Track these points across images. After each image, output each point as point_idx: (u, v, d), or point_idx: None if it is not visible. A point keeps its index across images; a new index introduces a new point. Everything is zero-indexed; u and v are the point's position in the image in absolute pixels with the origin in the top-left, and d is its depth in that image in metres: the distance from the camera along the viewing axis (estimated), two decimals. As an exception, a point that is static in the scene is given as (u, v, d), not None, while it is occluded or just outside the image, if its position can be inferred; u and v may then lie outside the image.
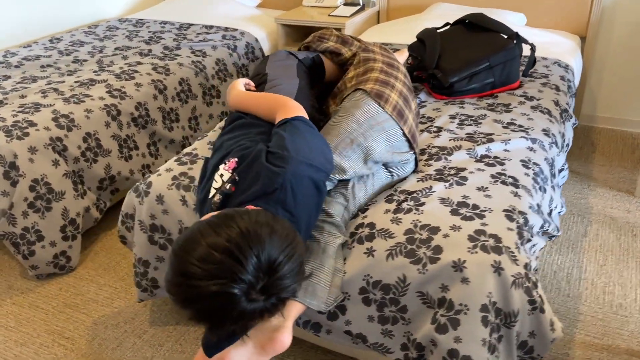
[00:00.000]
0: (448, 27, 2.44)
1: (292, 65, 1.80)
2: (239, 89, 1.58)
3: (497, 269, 1.21)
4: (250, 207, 1.14)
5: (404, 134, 1.50)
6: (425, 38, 2.25)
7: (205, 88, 2.67)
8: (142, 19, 3.39)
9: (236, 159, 1.29)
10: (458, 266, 1.23)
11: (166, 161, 2.45)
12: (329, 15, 3.02)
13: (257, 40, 3.08)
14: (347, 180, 1.42)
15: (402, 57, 2.24)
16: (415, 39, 2.38)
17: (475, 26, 2.27)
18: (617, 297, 1.82)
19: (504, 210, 1.36)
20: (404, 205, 1.41)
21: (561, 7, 2.81)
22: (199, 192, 1.45)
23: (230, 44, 2.90)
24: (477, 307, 1.20)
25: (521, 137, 1.70)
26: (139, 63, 2.59)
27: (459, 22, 2.37)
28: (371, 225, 1.37)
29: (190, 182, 1.59)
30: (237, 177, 1.25)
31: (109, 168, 2.17)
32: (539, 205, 1.48)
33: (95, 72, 2.50)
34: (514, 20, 2.80)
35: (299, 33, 3.31)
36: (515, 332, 1.24)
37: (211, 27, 3.16)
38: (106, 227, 2.31)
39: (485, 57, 2.08)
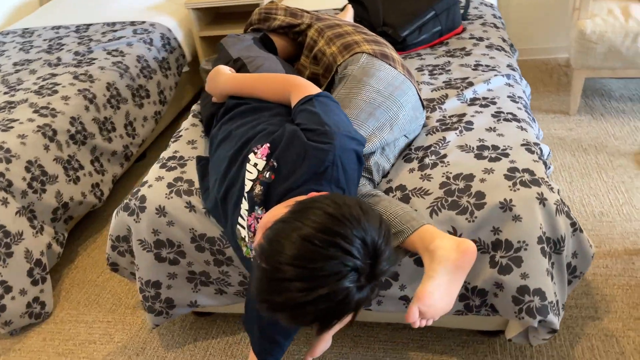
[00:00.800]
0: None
1: (252, 45, 1.70)
2: (229, 74, 1.46)
3: (542, 200, 1.25)
4: (314, 193, 1.05)
5: (417, 92, 1.48)
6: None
7: (133, 89, 2.45)
8: (27, 28, 3.01)
9: (267, 145, 1.18)
10: (506, 206, 1.24)
11: (113, 176, 2.23)
12: (242, -9, 2.88)
13: (169, 30, 2.87)
14: (370, 153, 1.37)
15: (349, 15, 2.19)
16: (347, 1, 2.35)
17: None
18: (595, 206, 1.97)
19: (522, 145, 1.40)
20: (427, 160, 1.39)
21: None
22: (212, 191, 1.33)
23: (145, 37, 2.67)
24: (534, 241, 1.23)
25: (495, 75, 1.75)
26: (54, 75, 2.30)
27: (387, -23, 2.36)
28: (402, 188, 1.35)
29: (190, 186, 1.45)
30: (275, 163, 1.15)
31: (60, 195, 1.93)
32: (537, 136, 1.54)
33: (6, 93, 2.18)
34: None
35: (210, 15, 3.14)
36: (564, 256, 1.29)
37: (113, 24, 2.88)
38: (67, 260, 2.07)
39: (430, 6, 2.11)
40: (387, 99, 1.40)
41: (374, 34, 1.65)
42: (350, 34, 1.61)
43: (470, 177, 1.31)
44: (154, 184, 1.47)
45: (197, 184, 1.46)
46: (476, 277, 1.29)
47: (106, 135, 2.22)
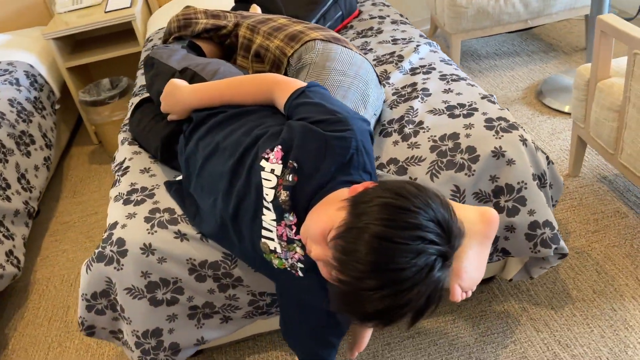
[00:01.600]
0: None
1: (187, 54, 1.57)
2: (189, 86, 1.33)
3: (523, 141, 1.34)
4: (359, 186, 0.98)
5: (374, 69, 1.49)
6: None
7: (16, 137, 2.12)
8: None
9: (279, 146, 1.09)
10: (498, 153, 1.32)
11: (23, 238, 1.92)
12: (105, 12, 2.64)
13: (31, 66, 2.53)
14: None
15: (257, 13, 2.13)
16: (235, 2, 2.29)
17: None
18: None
19: (482, 98, 1.49)
20: (406, 130, 1.42)
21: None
22: (210, 212, 1.21)
23: (9, 78, 2.33)
24: (530, 179, 1.32)
25: (417, 45, 1.83)
26: None
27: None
28: (394, 161, 1.36)
29: (172, 214, 1.30)
30: (295, 164, 1.06)
31: (-23, 273, 1.61)
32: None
33: None
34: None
35: (71, 44, 2.84)
36: (548, 188, 1.40)
37: (-42, 71, 2.47)
38: (-3, 348, 1.74)
39: (326, -7, 2.13)
40: (355, 78, 1.39)
41: (308, 22, 1.63)
42: (288, 25, 1.57)
43: (455, 136, 1.36)
44: (128, 222, 1.30)
45: (179, 211, 1.31)
46: (485, 227, 1.35)
47: (3, 194, 1.90)
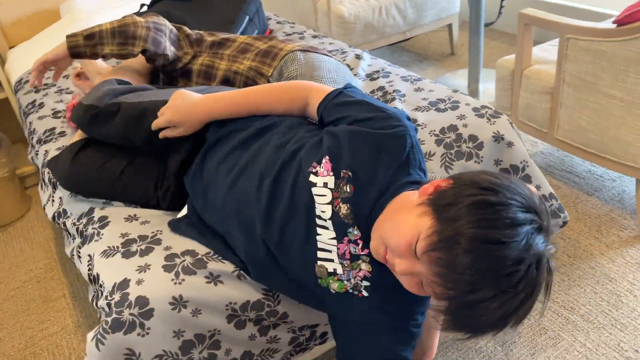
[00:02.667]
0: (154, 5, 2.20)
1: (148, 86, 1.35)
2: (204, 95, 1.14)
3: (510, 123, 1.42)
4: (428, 186, 0.91)
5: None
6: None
7: None
8: None
9: (326, 156, 0.99)
10: (498, 137, 1.37)
11: None
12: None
13: None
14: None
15: None
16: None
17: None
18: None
19: (454, 92, 1.54)
20: (403, 129, 1.40)
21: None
22: (244, 244, 1.05)
23: None
24: (528, 157, 1.39)
25: (356, 54, 1.84)
26: None
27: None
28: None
29: (194, 256, 1.10)
30: (349, 173, 0.97)
31: None
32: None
33: None
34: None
35: None
36: (530, 165, 1.50)
37: None
38: None
39: (242, 12, 2.04)
40: (344, 82, 1.35)
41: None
42: (252, 43, 1.46)
43: (454, 127, 1.39)
44: (144, 276, 1.06)
45: (201, 249, 1.12)
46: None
47: None
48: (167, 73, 1.51)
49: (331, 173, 0.97)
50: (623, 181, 1.95)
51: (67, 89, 1.95)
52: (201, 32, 1.54)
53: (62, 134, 1.66)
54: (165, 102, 1.18)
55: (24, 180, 2.39)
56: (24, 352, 1.63)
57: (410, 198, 0.91)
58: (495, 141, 1.36)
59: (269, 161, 1.04)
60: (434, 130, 1.38)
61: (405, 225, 0.86)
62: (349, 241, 0.97)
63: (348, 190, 0.96)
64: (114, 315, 1.02)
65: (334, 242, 0.98)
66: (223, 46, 1.48)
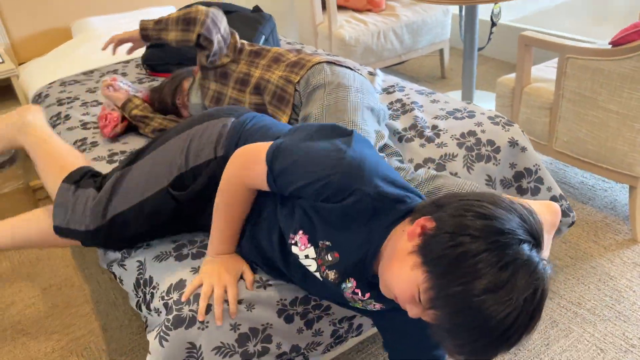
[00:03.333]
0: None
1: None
2: (213, 249, 1.16)
3: (523, 131, 1.56)
4: (415, 227, 0.87)
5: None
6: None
7: None
8: None
9: (300, 231, 1.00)
10: (513, 142, 1.50)
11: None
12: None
13: None
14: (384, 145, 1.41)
15: None
16: (151, 47, 2.18)
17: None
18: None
19: (468, 103, 1.67)
20: (427, 133, 1.52)
21: (195, -7, 2.99)
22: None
23: None
24: (540, 161, 1.53)
25: (369, 70, 1.97)
26: None
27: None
28: (430, 160, 1.45)
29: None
30: (328, 242, 0.98)
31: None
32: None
33: None
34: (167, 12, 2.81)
35: None
36: (538, 171, 1.63)
37: None
38: None
39: (258, 32, 2.16)
40: (368, 93, 1.46)
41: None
42: (285, 54, 1.58)
43: (473, 133, 1.51)
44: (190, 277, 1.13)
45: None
46: (512, 210, 1.51)
47: None
48: (205, 71, 1.62)
49: (309, 245, 1.00)
50: (614, 191, 2.10)
51: (92, 102, 2.02)
52: (244, 41, 1.66)
53: (95, 144, 1.73)
54: (144, 184, 1.21)
55: (36, 193, 2.42)
56: (52, 355, 1.66)
57: (400, 244, 0.89)
58: (510, 146, 1.49)
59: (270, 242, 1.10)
60: (455, 135, 1.50)
61: (402, 279, 0.86)
62: (349, 292, 1.03)
63: (331, 258, 0.99)
64: (175, 313, 1.09)
65: (340, 292, 1.04)
66: (259, 56, 1.59)
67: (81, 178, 1.31)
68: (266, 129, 1.21)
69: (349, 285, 1.01)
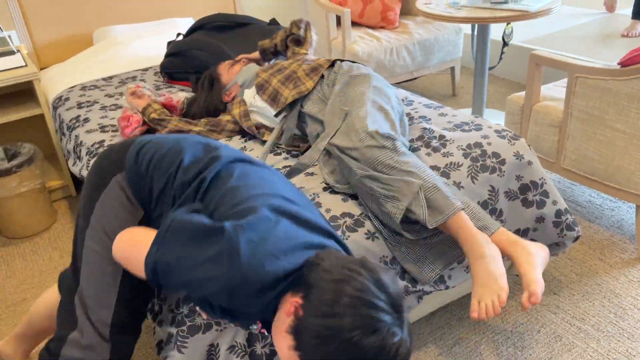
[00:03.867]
0: (191, 34, 2.37)
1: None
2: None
3: (529, 146, 1.58)
4: (288, 312, 0.91)
5: None
6: (200, 47, 2.16)
7: None
8: None
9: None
10: (519, 156, 1.53)
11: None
12: (-4, 71, 2.30)
13: None
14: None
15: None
16: (169, 55, 2.24)
17: (226, 25, 2.32)
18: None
19: (476, 117, 1.71)
20: (434, 144, 1.55)
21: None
22: None
23: None
24: (545, 175, 1.55)
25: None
26: None
27: (198, 27, 2.36)
28: (436, 168, 1.48)
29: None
30: (226, 320, 1.03)
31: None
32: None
33: None
34: (187, 24, 2.89)
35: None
36: (544, 186, 1.66)
37: None
38: None
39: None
40: (387, 85, 1.56)
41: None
42: (296, 70, 1.77)
43: (479, 144, 1.54)
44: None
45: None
46: (518, 221, 1.53)
47: None
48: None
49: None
50: (621, 210, 2.11)
51: (110, 106, 2.08)
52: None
53: (110, 143, 1.78)
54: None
55: (51, 194, 2.48)
56: None
57: (281, 317, 0.92)
58: (516, 159, 1.52)
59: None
60: (461, 145, 1.54)
61: (283, 356, 0.90)
62: (258, 331, 1.06)
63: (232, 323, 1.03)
64: (188, 323, 1.12)
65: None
66: (280, 72, 1.73)
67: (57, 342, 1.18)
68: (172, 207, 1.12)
69: (255, 327, 1.04)
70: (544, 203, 1.53)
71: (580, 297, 1.72)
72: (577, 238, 1.60)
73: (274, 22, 2.38)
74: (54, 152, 2.71)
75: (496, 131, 1.60)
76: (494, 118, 2.88)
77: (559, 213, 1.54)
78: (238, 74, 1.86)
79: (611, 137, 1.78)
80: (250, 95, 1.78)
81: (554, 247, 1.63)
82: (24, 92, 2.56)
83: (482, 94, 2.74)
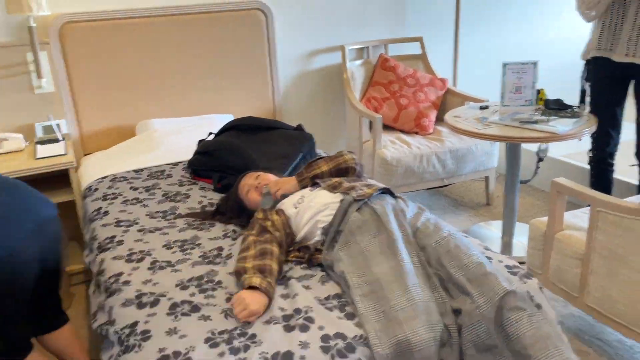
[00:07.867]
0: (222, 134, 2.45)
1: None
2: None
3: (540, 287, 1.49)
4: None
5: None
6: (226, 148, 2.23)
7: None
8: None
9: None
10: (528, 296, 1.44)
11: None
12: (37, 159, 2.44)
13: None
14: None
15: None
16: (197, 153, 2.32)
17: (255, 127, 2.40)
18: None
19: (485, 248, 1.64)
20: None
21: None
22: None
23: None
24: (555, 322, 1.44)
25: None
26: None
27: (228, 128, 2.44)
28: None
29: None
30: None
31: None
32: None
33: None
34: (224, 120, 3.00)
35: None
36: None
37: None
38: None
39: (298, 150, 2.26)
40: None
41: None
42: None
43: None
44: None
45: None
46: None
47: None
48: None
49: None
50: (654, 355, 1.93)
51: (132, 200, 2.15)
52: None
53: (120, 242, 1.81)
54: None
55: (71, 278, 2.53)
56: None
57: None
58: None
59: None
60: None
61: None
62: None
63: None
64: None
65: None
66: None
67: None
68: None
69: None
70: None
71: None
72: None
73: (299, 127, 2.45)
74: (82, 236, 2.80)
75: (507, 267, 1.53)
76: (526, 234, 2.77)
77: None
78: (262, 202, 1.85)
79: (636, 279, 1.66)
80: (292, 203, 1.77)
81: None
82: (64, 177, 2.69)
83: (512, 209, 2.66)
